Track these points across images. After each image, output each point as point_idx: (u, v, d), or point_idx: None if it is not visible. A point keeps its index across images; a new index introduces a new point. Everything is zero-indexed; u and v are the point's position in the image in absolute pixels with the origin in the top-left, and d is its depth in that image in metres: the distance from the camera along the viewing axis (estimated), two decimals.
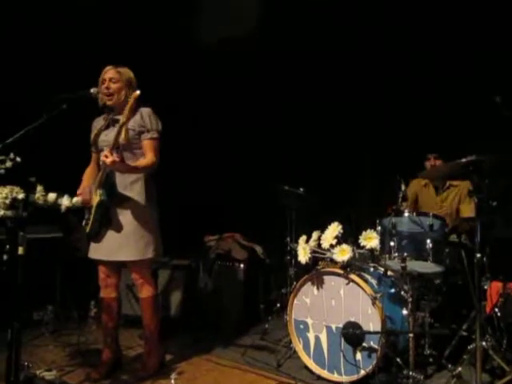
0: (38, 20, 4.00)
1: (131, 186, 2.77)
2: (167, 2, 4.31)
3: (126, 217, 2.75)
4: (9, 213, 2.11)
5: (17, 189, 2.16)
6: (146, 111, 2.80)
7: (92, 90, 2.69)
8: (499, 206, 2.69)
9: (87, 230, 2.77)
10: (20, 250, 2.07)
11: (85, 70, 3.01)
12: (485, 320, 2.66)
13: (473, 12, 3.64)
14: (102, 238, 2.77)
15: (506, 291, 2.84)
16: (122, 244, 2.74)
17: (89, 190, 2.81)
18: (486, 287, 2.76)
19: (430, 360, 2.87)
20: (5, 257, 2.25)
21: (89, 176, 2.94)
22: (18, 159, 2.32)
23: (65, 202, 2.26)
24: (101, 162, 2.73)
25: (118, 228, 2.74)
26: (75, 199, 2.34)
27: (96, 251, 2.81)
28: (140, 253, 2.75)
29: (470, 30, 3.67)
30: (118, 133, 2.60)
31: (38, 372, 2.74)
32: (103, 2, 4.15)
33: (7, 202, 2.12)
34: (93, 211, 2.73)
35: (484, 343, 2.51)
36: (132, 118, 2.74)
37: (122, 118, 2.60)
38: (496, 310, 2.80)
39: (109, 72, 2.79)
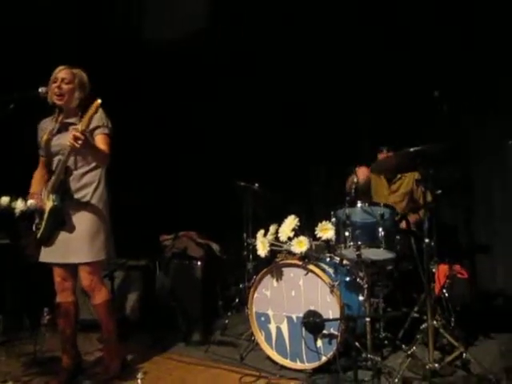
0: None
1: (85, 189, 2.73)
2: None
3: (78, 220, 2.70)
4: None
5: None
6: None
7: (40, 90, 2.62)
8: (444, 194, 2.88)
9: (38, 234, 2.70)
10: None
11: (32, 69, 2.90)
12: (434, 301, 2.83)
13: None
14: (54, 241, 2.70)
15: (451, 273, 3.05)
16: (75, 246, 2.68)
17: (40, 195, 2.73)
18: (434, 270, 2.94)
19: (386, 342, 3.01)
20: None
21: (38, 180, 2.85)
22: None
23: (19, 205, 2.18)
24: (53, 167, 2.67)
25: (71, 231, 2.68)
26: (29, 202, 2.26)
27: (48, 255, 2.74)
28: (93, 255, 2.70)
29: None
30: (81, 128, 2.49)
31: None
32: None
33: None
34: (45, 216, 2.66)
35: (435, 322, 2.68)
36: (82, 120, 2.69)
37: (81, 126, 2.51)
38: (444, 291, 2.99)
39: (62, 72, 2.71)
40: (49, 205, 2.64)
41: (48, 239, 2.70)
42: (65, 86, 2.70)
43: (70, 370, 2.81)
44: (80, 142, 2.43)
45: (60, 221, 2.66)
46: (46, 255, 2.74)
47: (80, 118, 2.66)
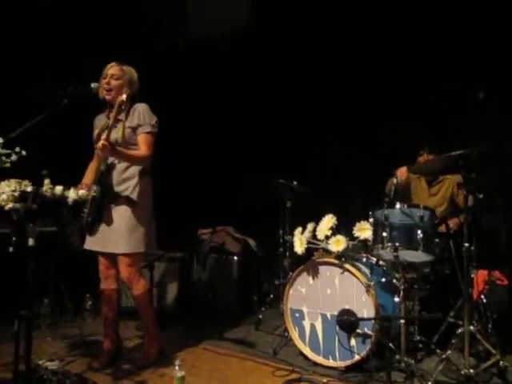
0: (41, 15, 4.02)
1: (126, 182, 2.83)
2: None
3: (119, 212, 2.81)
4: (17, 205, 2.15)
5: (25, 182, 2.19)
6: (140, 107, 2.86)
7: (93, 85, 2.73)
8: (485, 198, 2.84)
9: (84, 223, 2.83)
10: (30, 242, 2.11)
11: (86, 65, 3.04)
12: (471, 306, 2.80)
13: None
14: (97, 230, 2.82)
15: (490, 279, 3.00)
16: (114, 237, 2.79)
17: (88, 185, 2.86)
18: (472, 275, 2.91)
19: (420, 345, 3.00)
20: (10, 249, 2.27)
21: (91, 172, 2.99)
22: (24, 153, 2.35)
23: (71, 194, 2.29)
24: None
25: (111, 222, 2.80)
26: (81, 192, 2.37)
27: (91, 243, 2.87)
28: (131, 247, 2.80)
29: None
30: (109, 132, 2.64)
31: (40, 362, 2.78)
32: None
33: (16, 194, 2.15)
34: (87, 206, 2.78)
35: (471, 328, 2.66)
36: (129, 116, 2.81)
37: (110, 121, 2.66)
38: (482, 296, 2.95)
39: (112, 68, 2.84)
40: (91, 195, 2.76)
41: (91, 228, 2.81)
42: (113, 82, 2.82)
43: (110, 354, 2.94)
44: (106, 150, 2.56)
45: (100, 212, 2.77)
46: (89, 243, 2.88)
47: (127, 114, 2.78)
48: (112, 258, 2.91)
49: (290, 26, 4.46)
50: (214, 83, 4.89)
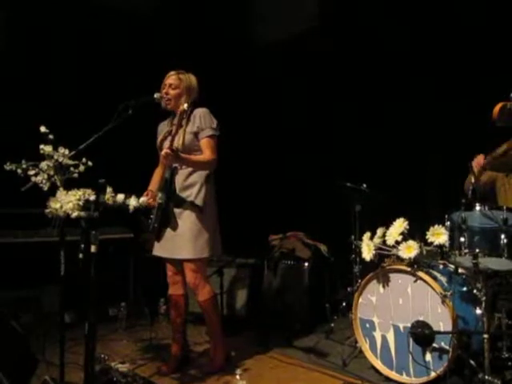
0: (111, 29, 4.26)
1: (189, 189, 2.85)
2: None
3: (183, 218, 2.83)
4: (82, 213, 2.25)
5: (89, 191, 2.30)
6: (199, 112, 2.87)
7: (156, 95, 2.81)
8: None
9: (150, 229, 2.90)
10: (93, 248, 2.19)
11: (152, 73, 3.13)
12: None
13: None
14: (163, 237, 2.88)
15: None
16: (179, 244, 2.81)
17: (154, 192, 2.94)
18: None
19: (509, 364, 2.69)
20: (80, 255, 2.37)
21: (156, 179, 3.07)
22: (90, 163, 2.47)
23: (132, 202, 2.37)
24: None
25: (176, 228, 2.83)
26: (141, 199, 2.45)
27: (158, 249, 2.93)
28: (195, 252, 2.80)
29: None
30: (172, 140, 2.68)
31: (112, 364, 2.90)
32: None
33: (80, 203, 2.25)
34: (154, 212, 2.85)
35: None
36: (190, 122, 2.84)
37: (172, 129, 2.69)
38: None
39: (170, 78, 2.90)
40: (157, 202, 2.82)
41: (158, 235, 2.88)
42: (172, 92, 2.87)
43: (178, 358, 2.97)
44: (170, 157, 2.59)
45: (165, 218, 2.82)
46: (157, 249, 2.94)
47: (187, 120, 2.81)
48: (178, 263, 2.95)
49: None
50: (287, 86, 4.83)
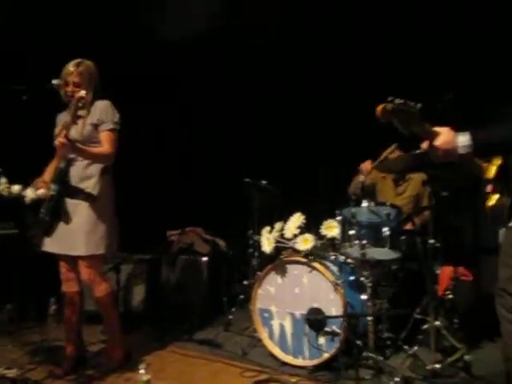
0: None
1: (86, 181, 2.74)
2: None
3: (77, 212, 2.71)
4: None
5: None
6: (101, 104, 2.78)
7: (55, 82, 2.65)
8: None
9: (41, 222, 2.73)
10: None
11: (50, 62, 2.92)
12: (437, 303, 2.83)
13: None
14: (55, 231, 2.73)
15: (455, 275, 3.04)
16: (73, 239, 2.70)
17: (47, 183, 2.76)
18: (437, 272, 2.95)
19: (388, 342, 3.01)
20: None
21: (51, 169, 2.88)
22: None
23: (29, 193, 2.22)
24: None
25: (69, 222, 2.70)
26: (40, 191, 2.30)
27: (49, 244, 2.76)
28: (90, 249, 2.71)
29: None
30: (67, 129, 2.57)
31: None
32: None
33: None
34: (45, 204, 2.69)
35: (437, 323, 2.69)
36: (90, 113, 2.73)
37: (65, 130, 2.57)
38: (447, 292, 2.99)
39: (71, 75, 2.72)
40: (48, 194, 2.67)
41: (48, 229, 2.72)
42: (75, 89, 2.71)
43: (74, 360, 2.84)
44: (66, 147, 2.49)
45: (58, 211, 2.68)
46: (48, 245, 2.77)
47: (88, 111, 2.70)
48: (72, 259, 2.80)
49: None
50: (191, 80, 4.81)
